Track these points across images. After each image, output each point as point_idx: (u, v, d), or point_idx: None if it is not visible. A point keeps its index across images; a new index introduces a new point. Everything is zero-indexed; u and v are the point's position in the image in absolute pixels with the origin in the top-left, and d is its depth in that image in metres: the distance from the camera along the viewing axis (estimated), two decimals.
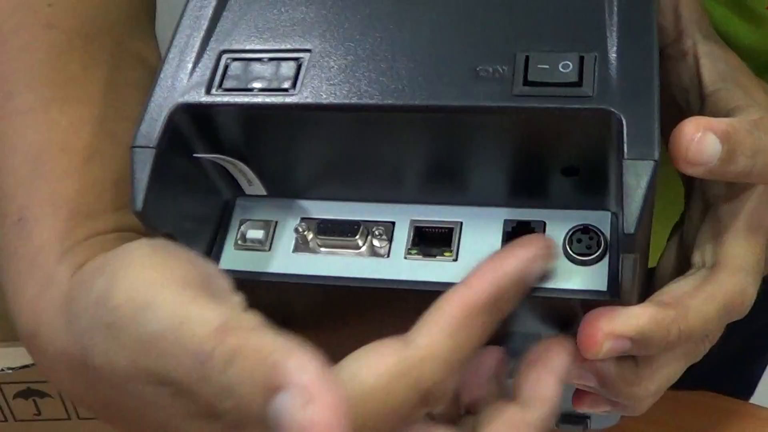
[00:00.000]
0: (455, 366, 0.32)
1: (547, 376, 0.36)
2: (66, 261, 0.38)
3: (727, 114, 0.40)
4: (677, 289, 0.38)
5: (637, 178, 0.32)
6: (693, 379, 0.47)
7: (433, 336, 0.32)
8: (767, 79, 0.47)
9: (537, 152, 0.36)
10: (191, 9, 0.39)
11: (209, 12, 0.39)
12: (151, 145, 0.36)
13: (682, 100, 0.43)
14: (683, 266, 0.41)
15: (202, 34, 0.38)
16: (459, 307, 0.33)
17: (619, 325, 0.36)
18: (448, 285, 0.38)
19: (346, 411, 0.28)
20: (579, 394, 0.43)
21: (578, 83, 0.34)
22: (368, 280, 0.39)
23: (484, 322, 0.33)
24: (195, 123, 0.37)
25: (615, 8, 0.35)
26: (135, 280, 0.32)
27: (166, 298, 0.31)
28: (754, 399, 0.82)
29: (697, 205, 0.41)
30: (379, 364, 0.31)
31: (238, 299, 0.33)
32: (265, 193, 0.41)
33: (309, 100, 0.36)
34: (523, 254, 0.35)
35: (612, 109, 0.33)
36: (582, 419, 0.49)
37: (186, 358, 0.30)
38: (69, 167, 0.40)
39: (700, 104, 0.42)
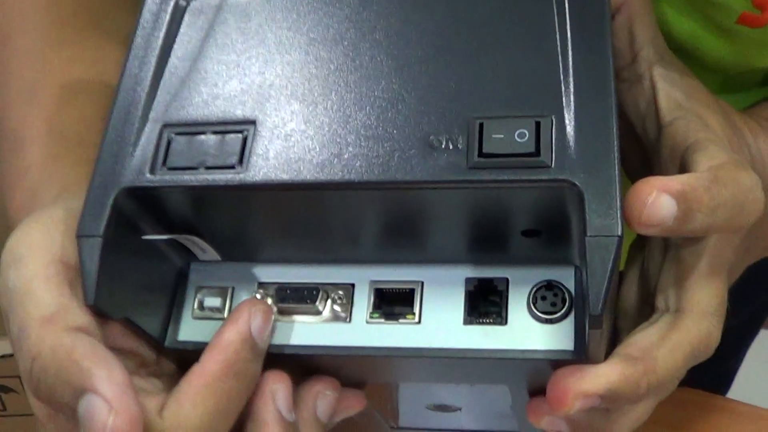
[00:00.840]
0: (212, 427, 0.34)
1: (269, 422, 0.37)
2: (51, 181, 0.41)
3: (685, 150, 0.39)
4: (643, 339, 0.38)
5: (600, 256, 0.32)
6: None
7: (178, 408, 0.34)
8: (737, 93, 0.46)
9: (496, 219, 0.35)
10: (127, 78, 0.37)
11: (147, 80, 0.37)
12: (98, 234, 0.35)
13: (639, 127, 0.42)
14: (645, 302, 0.41)
15: (141, 105, 0.37)
16: (198, 381, 0.35)
17: (588, 384, 0.36)
18: (414, 351, 0.37)
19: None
20: None
21: (535, 153, 0.33)
22: (332, 348, 0.38)
23: (227, 390, 0.35)
24: (142, 205, 0.36)
25: (570, 68, 0.34)
26: (27, 237, 0.36)
27: (32, 264, 0.35)
28: (731, 394, 0.84)
29: (657, 241, 0.41)
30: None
31: (79, 293, 0.35)
32: (219, 259, 0.40)
33: (256, 179, 0.34)
34: (237, 319, 0.36)
35: (572, 181, 0.32)
36: None
37: (14, 326, 0.35)
38: (62, 99, 0.45)
39: (657, 133, 0.41)
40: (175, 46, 0.38)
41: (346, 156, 0.34)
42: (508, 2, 0.36)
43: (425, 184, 0.33)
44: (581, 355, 0.36)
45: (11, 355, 0.82)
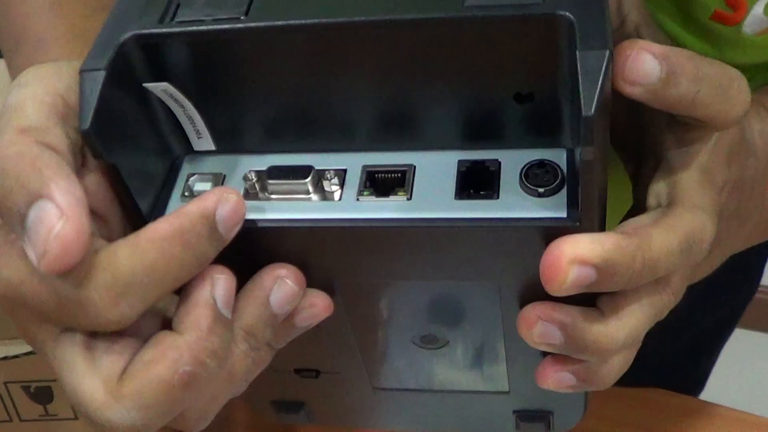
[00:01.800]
0: (124, 287, 0.34)
1: (200, 304, 0.36)
2: None
3: None
4: (637, 221, 0.37)
5: (592, 65, 0.32)
6: (645, 376, 0.45)
7: (113, 251, 0.34)
8: None
9: (489, 73, 0.36)
10: None
11: None
12: (100, 68, 0.35)
13: None
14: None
15: None
16: (144, 234, 0.34)
17: (584, 249, 0.35)
18: (404, 221, 0.37)
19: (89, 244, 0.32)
20: (543, 368, 0.41)
21: None
22: (321, 220, 0.37)
23: (170, 254, 0.34)
24: (147, 55, 0.37)
25: None
26: (38, 69, 0.38)
27: (33, 88, 0.36)
28: (704, 395, 0.83)
29: (649, 162, 0.41)
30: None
31: (60, 129, 0.36)
32: (214, 148, 0.40)
33: (258, 23, 0.36)
34: (204, 197, 0.36)
35: (562, 13, 0.34)
36: (545, 415, 0.46)
37: None
38: (85, 11, 0.47)
39: None
40: None
41: (345, 2, 0.35)
42: None
43: (421, 22, 0.35)
44: (575, 218, 0.35)
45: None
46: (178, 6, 0.37)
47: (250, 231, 0.37)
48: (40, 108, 0.36)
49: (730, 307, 0.79)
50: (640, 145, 0.42)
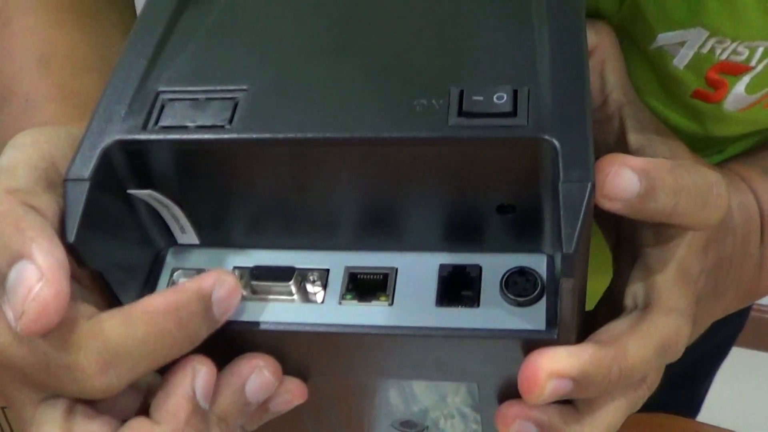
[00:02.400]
0: (113, 357, 0.34)
1: (179, 394, 0.36)
2: None
3: None
4: (613, 329, 0.38)
5: (574, 199, 0.33)
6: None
7: (107, 319, 0.34)
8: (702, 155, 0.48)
9: (472, 188, 0.36)
10: (130, 48, 0.39)
11: (148, 52, 0.39)
12: (85, 177, 0.36)
13: None
14: (615, 315, 0.41)
15: (140, 73, 0.38)
16: (140, 306, 0.35)
17: (561, 363, 0.36)
18: (385, 329, 0.37)
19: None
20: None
21: (512, 113, 0.34)
22: (303, 324, 0.38)
23: (163, 330, 0.35)
24: (130, 160, 0.37)
25: (546, 43, 0.36)
26: (36, 132, 0.38)
27: (27, 152, 0.37)
28: (700, 417, 0.86)
29: (626, 256, 0.42)
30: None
31: (49, 194, 0.36)
32: (198, 242, 0.40)
33: (244, 135, 0.36)
34: (203, 277, 0.36)
35: (546, 137, 0.34)
36: None
37: None
38: (73, 71, 0.46)
39: None
40: (178, 25, 0.40)
41: (330, 117, 0.36)
42: None
43: (406, 141, 0.35)
44: (553, 333, 0.36)
45: None
46: (162, 109, 0.37)
47: (234, 328, 0.38)
48: (31, 172, 0.36)
49: (726, 333, 0.80)
50: (618, 229, 0.43)
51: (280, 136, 0.35)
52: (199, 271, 0.40)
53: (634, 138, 0.43)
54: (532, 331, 0.36)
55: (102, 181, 0.36)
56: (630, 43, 0.47)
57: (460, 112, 0.35)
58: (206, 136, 0.36)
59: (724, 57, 0.45)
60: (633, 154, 0.42)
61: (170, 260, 0.40)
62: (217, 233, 0.40)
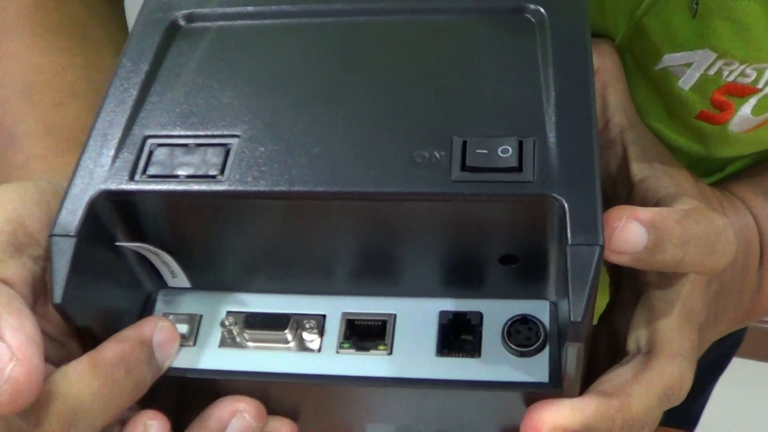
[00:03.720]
0: (73, 415, 0.33)
1: None
2: (54, 172, 0.40)
3: (656, 204, 0.40)
4: (616, 377, 0.37)
5: (582, 264, 0.32)
6: None
7: (62, 378, 0.33)
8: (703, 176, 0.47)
9: (475, 240, 0.35)
10: (113, 91, 0.38)
11: (132, 95, 0.37)
12: (71, 234, 0.34)
13: (609, 190, 0.43)
14: (615, 355, 0.40)
15: (125, 118, 0.37)
16: (89, 359, 0.34)
17: (564, 417, 0.35)
18: (384, 381, 0.36)
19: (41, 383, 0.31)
20: None
21: (518, 168, 0.33)
22: (300, 375, 0.37)
23: (114, 380, 0.34)
24: (117, 211, 0.35)
25: (552, 92, 0.35)
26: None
27: None
28: (698, 430, 0.88)
29: (627, 292, 0.41)
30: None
31: (16, 260, 0.35)
32: (189, 285, 0.39)
33: (238, 188, 0.34)
34: (141, 324, 0.36)
35: (554, 195, 0.32)
36: None
37: None
38: (57, 100, 0.45)
39: (628, 193, 0.42)
40: (165, 63, 0.38)
41: (328, 169, 0.34)
42: (493, 31, 0.37)
43: (406, 196, 0.33)
44: (557, 386, 0.35)
45: None
46: (150, 156, 0.36)
47: (230, 382, 0.37)
48: None
49: (724, 348, 0.80)
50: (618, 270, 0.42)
51: (276, 189, 0.34)
52: (191, 316, 0.38)
53: (637, 168, 0.42)
54: (535, 384, 0.35)
55: (89, 234, 0.34)
56: (633, 63, 0.46)
57: (463, 167, 0.33)
58: (197, 188, 0.34)
59: (731, 79, 0.44)
60: (636, 186, 0.41)
61: (161, 305, 0.39)
62: (208, 277, 0.39)
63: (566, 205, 0.32)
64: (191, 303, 0.39)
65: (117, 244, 0.36)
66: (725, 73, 0.43)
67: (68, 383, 0.33)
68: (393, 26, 0.38)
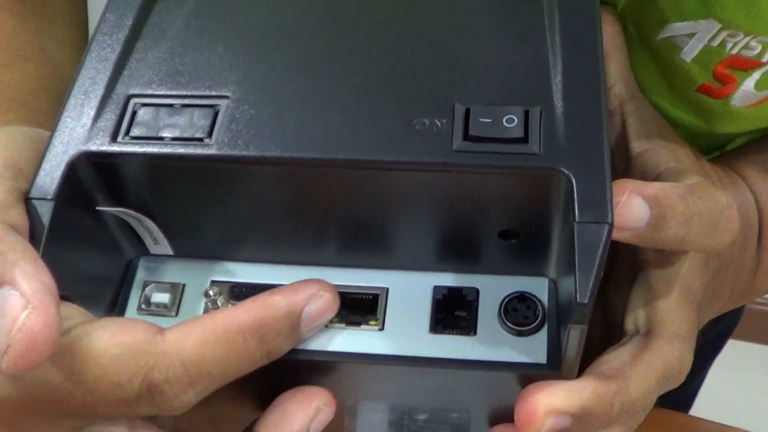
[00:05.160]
0: (195, 377, 0.31)
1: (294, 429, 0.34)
2: None
3: (656, 177, 0.38)
4: (615, 359, 0.36)
5: (590, 243, 0.30)
6: None
7: (184, 337, 0.31)
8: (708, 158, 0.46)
9: (474, 213, 0.34)
10: (96, 47, 0.35)
11: (116, 51, 0.35)
12: (49, 197, 0.32)
13: None
14: (610, 332, 0.39)
15: (107, 75, 0.35)
16: (221, 322, 0.31)
17: (561, 400, 0.34)
18: (376, 358, 0.35)
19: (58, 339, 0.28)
20: None
21: (524, 139, 0.31)
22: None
23: (243, 348, 0.32)
24: (98, 174, 0.34)
25: (559, 60, 0.33)
26: None
27: None
28: (693, 410, 0.86)
29: (624, 270, 0.40)
30: (121, 335, 0.30)
31: (21, 207, 0.33)
32: (171, 252, 0.37)
33: (226, 152, 0.32)
34: (297, 291, 0.33)
35: (561, 169, 0.31)
36: None
37: None
38: (6, 61, 0.44)
39: (626, 166, 0.40)
40: (151, 18, 0.36)
41: (322, 134, 0.32)
42: None
43: (404, 165, 0.32)
44: (555, 368, 0.34)
45: None
46: (133, 116, 0.34)
47: None
48: (1, 183, 0.32)
49: (720, 329, 0.79)
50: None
51: (267, 155, 0.32)
52: (174, 285, 0.37)
53: (636, 141, 0.40)
54: (532, 365, 0.34)
55: (68, 198, 0.33)
56: (635, 33, 0.44)
57: (466, 136, 0.32)
58: (183, 152, 0.33)
59: (735, 51, 0.42)
60: (634, 160, 0.40)
61: (142, 273, 0.37)
62: (192, 245, 0.37)
63: (574, 180, 0.31)
64: (174, 271, 0.37)
65: (97, 208, 0.34)
66: (729, 45, 0.42)
67: (188, 344, 0.31)
68: None
